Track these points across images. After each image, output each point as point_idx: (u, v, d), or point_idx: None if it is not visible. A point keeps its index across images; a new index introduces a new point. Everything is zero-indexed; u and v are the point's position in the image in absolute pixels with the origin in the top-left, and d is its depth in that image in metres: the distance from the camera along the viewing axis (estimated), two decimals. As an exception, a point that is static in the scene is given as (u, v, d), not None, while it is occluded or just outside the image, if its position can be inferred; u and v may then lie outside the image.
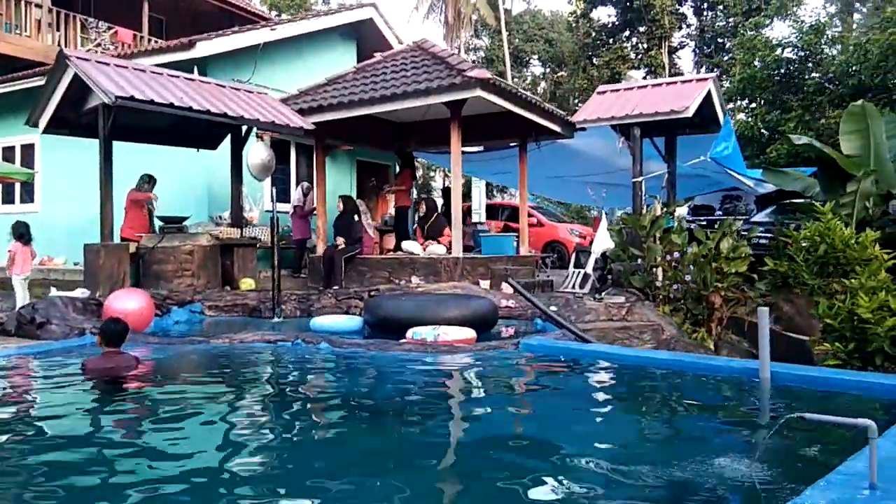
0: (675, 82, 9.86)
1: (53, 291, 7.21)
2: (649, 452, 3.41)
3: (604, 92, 10.07)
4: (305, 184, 11.19)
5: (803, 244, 7.91)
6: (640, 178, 9.34)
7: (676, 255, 8.18)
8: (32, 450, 3.30)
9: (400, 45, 14.16)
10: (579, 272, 9.59)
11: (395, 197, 11.99)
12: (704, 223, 13.92)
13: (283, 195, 11.89)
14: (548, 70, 37.39)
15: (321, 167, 10.22)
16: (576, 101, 31.53)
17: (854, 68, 11.64)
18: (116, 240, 8.36)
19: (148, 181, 9.21)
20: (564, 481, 2.92)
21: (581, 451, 3.42)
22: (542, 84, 37.39)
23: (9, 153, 13.00)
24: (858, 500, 2.21)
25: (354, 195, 13.31)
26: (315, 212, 10.49)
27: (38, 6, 15.27)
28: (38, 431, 3.65)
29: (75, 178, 11.39)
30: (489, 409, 4.35)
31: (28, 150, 12.55)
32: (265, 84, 11.17)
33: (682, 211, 14.53)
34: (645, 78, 30.74)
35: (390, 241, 11.31)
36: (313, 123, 9.08)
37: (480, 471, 3.15)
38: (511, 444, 3.58)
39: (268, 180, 11.00)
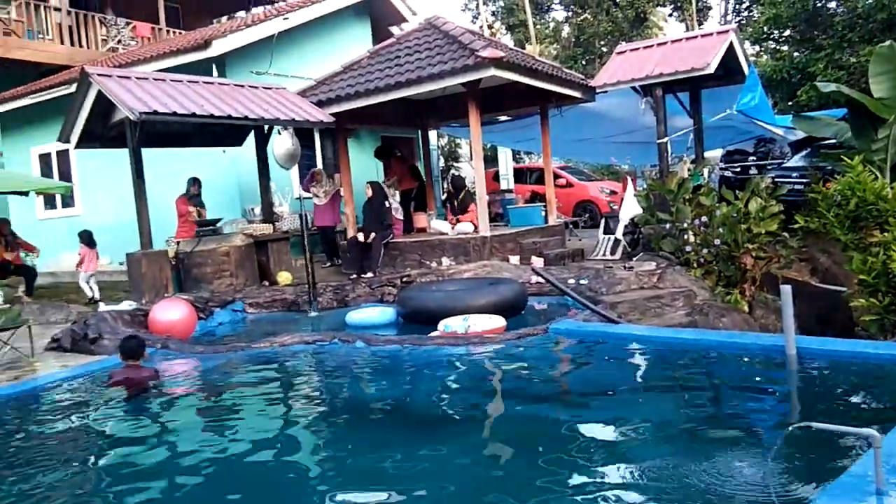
0: (696, 37, 9.60)
1: (102, 306, 7.58)
2: (670, 445, 3.55)
3: (623, 52, 9.87)
4: (315, 169, 11.22)
5: (835, 199, 7.76)
6: (664, 140, 9.22)
7: (705, 218, 8.12)
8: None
9: (413, 15, 14.04)
10: (609, 238, 9.59)
11: (399, 182, 12.10)
12: (738, 169, 13.65)
13: (310, 180, 12.06)
14: (570, 14, 36.33)
15: (344, 154, 10.33)
16: (601, 44, 30.72)
17: (883, 1, 11.08)
18: (161, 244, 8.72)
19: (194, 183, 9.61)
20: (597, 480, 3.12)
21: (614, 442, 3.60)
22: (566, 29, 36.42)
23: (45, 160, 13.44)
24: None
25: (381, 173, 13.42)
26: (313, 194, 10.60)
27: (57, 10, 15.50)
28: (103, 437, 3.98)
29: (112, 180, 11.75)
30: (523, 404, 4.52)
31: (63, 156, 12.94)
32: (283, 73, 11.25)
33: (714, 154, 14.20)
34: (671, 15, 29.76)
35: (421, 218, 11.42)
36: (332, 114, 9.16)
37: (520, 470, 3.35)
38: (544, 440, 3.75)
39: (295, 168, 11.18)
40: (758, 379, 4.72)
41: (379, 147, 12.60)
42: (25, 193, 10.76)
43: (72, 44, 15.55)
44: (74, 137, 8.24)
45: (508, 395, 4.77)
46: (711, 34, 9.39)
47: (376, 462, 3.55)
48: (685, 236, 8.40)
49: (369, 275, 8.97)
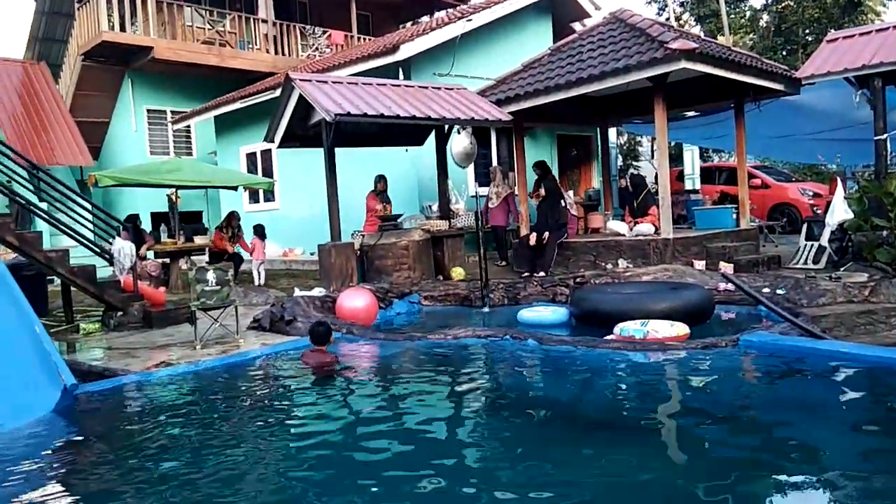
0: (927, 18, 8.36)
1: (297, 291, 8.23)
2: (881, 475, 3.09)
3: (834, 39, 8.85)
4: (493, 166, 11.21)
5: None
6: (884, 136, 8.14)
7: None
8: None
9: (597, 10, 13.70)
10: (812, 245, 8.67)
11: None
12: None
13: (485, 178, 12.22)
14: (770, 1, 33.46)
15: (521, 152, 10.33)
16: (806, 32, 27.94)
17: None
18: (348, 237, 9.31)
19: (380, 180, 10.30)
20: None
21: (815, 466, 3.21)
22: (765, 17, 33.58)
23: (251, 158, 14.92)
24: None
25: (556, 171, 13.25)
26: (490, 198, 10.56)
27: (265, 21, 17.12)
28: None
29: (306, 177, 12.76)
30: (708, 425, 4.17)
31: (266, 154, 14.30)
32: (464, 73, 11.49)
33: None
34: (892, -3, 26.28)
35: (596, 218, 11.11)
36: (510, 112, 9.17)
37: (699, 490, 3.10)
38: (730, 461, 3.43)
39: (471, 167, 11.39)
40: None
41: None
42: (235, 188, 12.03)
43: (276, 52, 17.11)
44: (278, 137, 9.00)
45: (690, 408, 4.44)
46: (947, 14, 8.12)
47: (541, 462, 3.45)
48: (906, 245, 7.36)
49: (541, 274, 8.89)
